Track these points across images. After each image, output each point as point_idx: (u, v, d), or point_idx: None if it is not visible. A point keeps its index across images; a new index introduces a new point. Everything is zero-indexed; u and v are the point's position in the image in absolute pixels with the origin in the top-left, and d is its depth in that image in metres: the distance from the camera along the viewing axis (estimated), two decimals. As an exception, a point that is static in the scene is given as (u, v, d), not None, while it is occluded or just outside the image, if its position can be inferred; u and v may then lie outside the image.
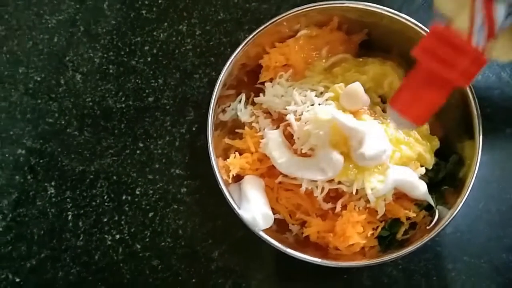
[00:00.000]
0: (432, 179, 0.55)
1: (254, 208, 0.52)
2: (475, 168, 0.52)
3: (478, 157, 0.52)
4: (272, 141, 0.52)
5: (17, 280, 0.62)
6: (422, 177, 0.53)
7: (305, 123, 0.51)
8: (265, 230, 0.53)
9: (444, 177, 0.55)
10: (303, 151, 0.51)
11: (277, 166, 0.52)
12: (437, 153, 0.55)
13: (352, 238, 0.50)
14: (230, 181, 0.54)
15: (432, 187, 0.55)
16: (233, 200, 0.52)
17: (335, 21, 0.57)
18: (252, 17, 0.66)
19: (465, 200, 0.51)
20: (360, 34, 0.58)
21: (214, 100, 0.55)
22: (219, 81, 0.55)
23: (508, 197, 0.60)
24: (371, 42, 0.59)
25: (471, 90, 0.52)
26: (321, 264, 0.51)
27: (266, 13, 0.66)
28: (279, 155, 0.52)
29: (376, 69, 0.55)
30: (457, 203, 0.51)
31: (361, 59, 0.57)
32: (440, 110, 0.57)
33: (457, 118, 0.55)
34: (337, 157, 0.49)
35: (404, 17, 0.54)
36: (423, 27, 0.53)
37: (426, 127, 0.54)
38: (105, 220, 0.62)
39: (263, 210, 0.52)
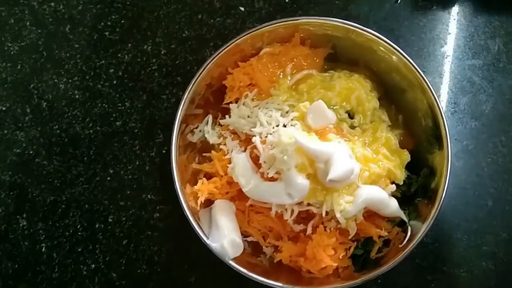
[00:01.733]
0: (405, 193, 0.54)
1: (223, 237, 0.50)
2: (446, 179, 0.51)
3: (448, 166, 0.51)
4: (239, 166, 0.51)
5: (-5, 316, 0.61)
6: (394, 192, 0.53)
7: (271, 145, 0.50)
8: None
9: (416, 190, 0.54)
10: (269, 176, 0.50)
11: (245, 192, 0.51)
12: (409, 166, 0.54)
13: (323, 261, 0.49)
14: (198, 208, 0.53)
15: (405, 201, 0.54)
16: (201, 229, 0.51)
17: (297, 37, 0.55)
18: (217, 33, 0.65)
19: (441, 210, 0.51)
20: (325, 48, 0.57)
21: (178, 120, 0.54)
22: (183, 100, 0.54)
23: (484, 203, 0.60)
24: (337, 54, 0.58)
25: (436, 100, 0.51)
26: (294, 290, 0.50)
27: (231, 28, 0.65)
28: (246, 181, 0.50)
29: (342, 84, 0.54)
30: (431, 214, 0.51)
31: (327, 74, 0.56)
32: (410, 122, 0.56)
33: (426, 128, 0.54)
34: (303, 181, 0.48)
35: (368, 31, 0.53)
36: (387, 40, 0.52)
37: (395, 141, 0.53)
38: (79, 250, 0.61)
39: (232, 238, 0.51)
